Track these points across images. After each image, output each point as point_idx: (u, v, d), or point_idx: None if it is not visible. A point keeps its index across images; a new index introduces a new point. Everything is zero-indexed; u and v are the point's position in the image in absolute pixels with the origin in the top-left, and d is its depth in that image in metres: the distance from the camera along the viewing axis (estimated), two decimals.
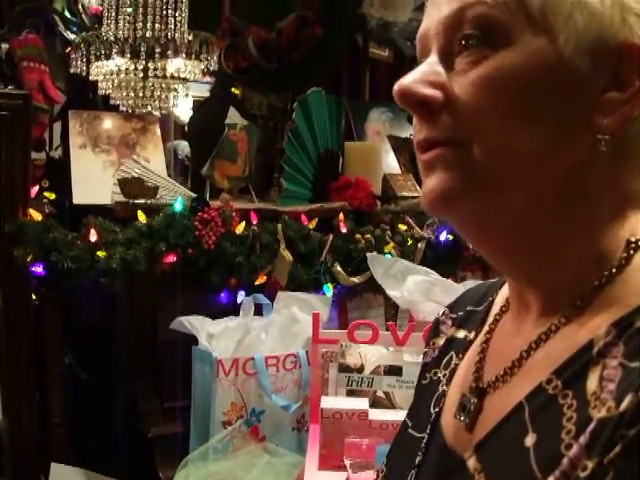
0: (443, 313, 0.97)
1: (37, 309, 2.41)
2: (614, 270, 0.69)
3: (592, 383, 0.63)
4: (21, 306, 2.37)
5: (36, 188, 2.43)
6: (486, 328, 0.85)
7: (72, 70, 2.46)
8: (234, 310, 2.36)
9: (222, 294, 2.49)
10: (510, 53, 0.67)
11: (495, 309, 0.86)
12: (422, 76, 0.71)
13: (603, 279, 0.69)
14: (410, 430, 0.88)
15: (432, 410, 0.85)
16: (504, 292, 0.85)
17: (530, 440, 0.65)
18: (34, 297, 2.39)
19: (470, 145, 0.69)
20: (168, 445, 2.27)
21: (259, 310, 2.40)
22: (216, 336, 2.22)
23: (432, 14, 0.73)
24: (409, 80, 0.71)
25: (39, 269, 2.26)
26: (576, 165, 0.69)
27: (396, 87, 0.71)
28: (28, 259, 2.25)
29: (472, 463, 0.72)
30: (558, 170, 0.69)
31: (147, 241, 2.29)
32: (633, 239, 0.70)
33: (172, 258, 2.32)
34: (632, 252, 0.69)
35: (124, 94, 2.47)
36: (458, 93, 0.69)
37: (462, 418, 0.78)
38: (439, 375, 0.89)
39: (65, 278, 2.24)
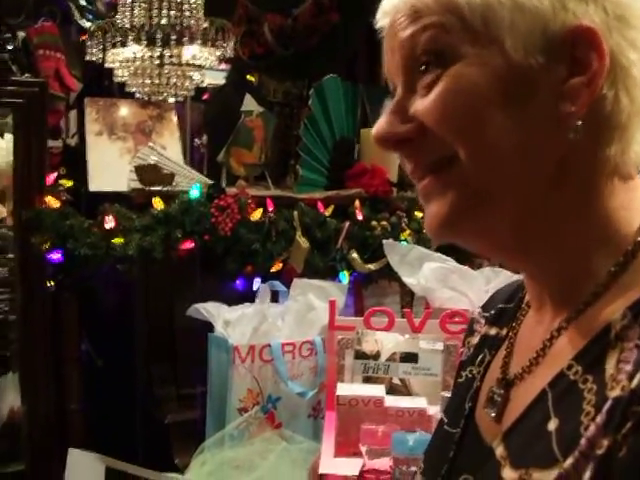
0: (478, 313, 0.99)
1: (54, 296, 2.43)
2: (629, 255, 0.70)
3: (610, 366, 0.64)
4: (38, 293, 2.39)
5: (53, 176, 2.43)
6: (514, 323, 0.86)
7: (88, 58, 2.45)
8: (250, 297, 2.36)
9: (238, 281, 2.49)
10: (461, 66, 0.70)
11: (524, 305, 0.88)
12: (392, 117, 0.75)
13: (619, 265, 0.70)
14: (445, 427, 0.90)
15: (466, 405, 0.86)
16: None
17: (552, 425, 0.67)
18: (51, 284, 2.41)
19: (457, 158, 0.71)
20: (184, 431, 2.28)
21: (275, 297, 2.40)
22: (232, 323, 2.22)
23: (388, 51, 0.77)
24: (382, 125, 0.75)
25: (56, 256, 2.27)
26: (560, 156, 0.70)
27: (373, 135, 0.76)
28: (45, 246, 2.26)
29: (500, 451, 0.73)
30: (543, 163, 0.70)
31: (163, 228, 2.29)
32: None
33: (188, 245, 2.33)
34: None
35: (140, 81, 2.46)
36: (425, 117, 0.72)
37: (490, 410, 0.79)
38: (474, 372, 0.90)
39: (82, 265, 2.25)
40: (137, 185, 2.44)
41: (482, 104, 0.69)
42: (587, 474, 0.61)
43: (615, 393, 0.62)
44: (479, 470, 0.77)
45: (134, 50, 2.38)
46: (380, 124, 0.75)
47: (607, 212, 0.72)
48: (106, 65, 2.46)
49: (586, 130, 0.69)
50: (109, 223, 2.25)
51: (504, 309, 0.92)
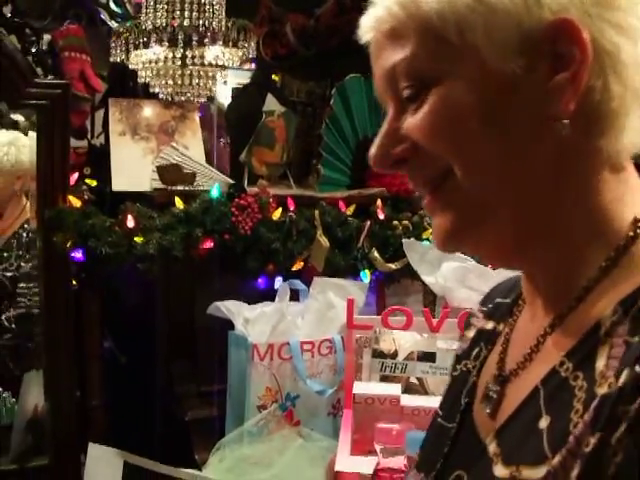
0: (477, 308, 0.99)
1: (77, 294, 2.46)
2: (621, 250, 0.70)
3: (600, 363, 0.65)
4: (62, 291, 2.42)
5: (76, 175, 2.46)
6: (511, 319, 0.87)
7: (112, 59, 2.48)
8: (272, 296, 2.36)
9: (260, 280, 2.50)
10: (444, 84, 0.71)
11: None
12: (385, 139, 0.76)
13: (610, 260, 0.70)
14: (440, 420, 0.90)
15: (463, 401, 0.87)
16: None
17: (544, 422, 0.67)
18: (74, 282, 2.44)
19: (451, 173, 0.72)
20: (204, 428, 2.30)
21: (295, 296, 2.40)
22: (252, 321, 2.23)
23: (375, 73, 0.79)
24: (376, 148, 0.77)
25: (78, 255, 2.30)
26: (553, 156, 0.70)
27: (370, 159, 0.77)
28: (67, 245, 2.29)
29: (492, 448, 0.74)
30: (536, 167, 0.70)
31: (184, 227, 2.31)
32: None
33: (209, 244, 2.34)
34: (639, 230, 0.70)
35: (163, 82, 2.48)
36: (414, 134, 0.73)
37: (486, 406, 0.80)
38: (469, 366, 0.90)
39: (103, 264, 2.27)
40: (159, 185, 2.46)
41: (466, 117, 0.70)
42: (574, 472, 0.61)
43: (603, 390, 0.62)
44: (472, 466, 0.78)
45: (156, 51, 2.40)
46: (375, 147, 0.77)
47: (600, 206, 0.71)
48: (130, 66, 2.49)
49: (576, 123, 0.69)
50: (130, 222, 2.28)
51: (501, 303, 0.92)
